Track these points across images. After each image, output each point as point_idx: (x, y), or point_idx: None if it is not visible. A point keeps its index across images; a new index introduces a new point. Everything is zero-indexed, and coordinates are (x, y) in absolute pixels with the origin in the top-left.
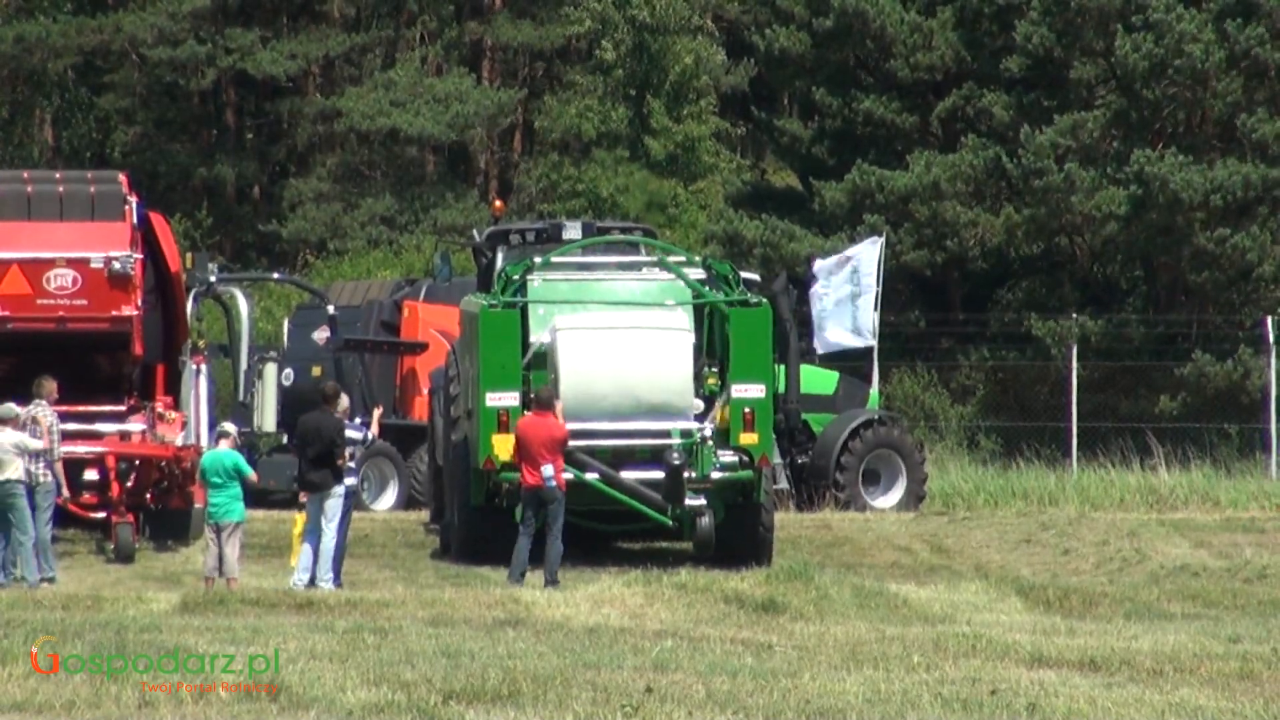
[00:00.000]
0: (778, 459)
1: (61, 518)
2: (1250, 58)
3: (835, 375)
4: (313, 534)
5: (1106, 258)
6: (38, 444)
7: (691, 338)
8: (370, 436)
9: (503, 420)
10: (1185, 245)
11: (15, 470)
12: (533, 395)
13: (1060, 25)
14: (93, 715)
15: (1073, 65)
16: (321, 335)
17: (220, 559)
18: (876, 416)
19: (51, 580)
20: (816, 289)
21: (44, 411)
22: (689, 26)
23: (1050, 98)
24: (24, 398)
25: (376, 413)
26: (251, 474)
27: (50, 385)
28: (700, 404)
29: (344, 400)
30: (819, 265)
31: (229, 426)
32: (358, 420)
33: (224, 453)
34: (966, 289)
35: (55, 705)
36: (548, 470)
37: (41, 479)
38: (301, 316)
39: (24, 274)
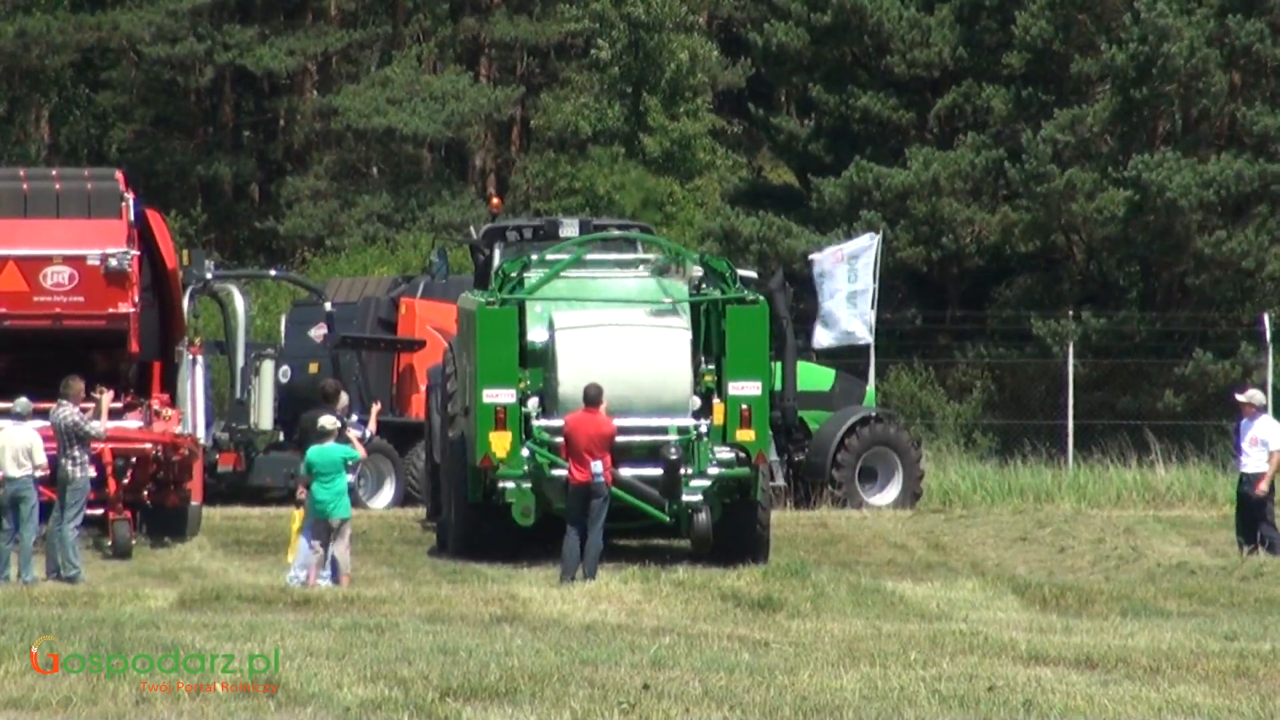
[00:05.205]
0: (774, 456)
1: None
2: (1250, 54)
3: (832, 372)
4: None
5: (1104, 255)
6: (41, 459)
7: (689, 335)
8: (369, 433)
9: (500, 417)
10: (1183, 249)
11: (25, 468)
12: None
13: (1060, 20)
14: (90, 713)
15: (1073, 60)
16: (318, 332)
17: (327, 559)
18: (873, 414)
19: (74, 579)
20: (816, 284)
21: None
22: (685, 24)
23: (1049, 93)
24: (33, 395)
25: (375, 409)
26: (362, 452)
27: (78, 385)
28: (697, 401)
29: (344, 398)
30: (817, 259)
31: (330, 422)
32: (355, 418)
33: (330, 447)
34: (964, 286)
35: (52, 702)
36: (597, 466)
37: (74, 476)
38: (298, 314)
39: (20, 271)
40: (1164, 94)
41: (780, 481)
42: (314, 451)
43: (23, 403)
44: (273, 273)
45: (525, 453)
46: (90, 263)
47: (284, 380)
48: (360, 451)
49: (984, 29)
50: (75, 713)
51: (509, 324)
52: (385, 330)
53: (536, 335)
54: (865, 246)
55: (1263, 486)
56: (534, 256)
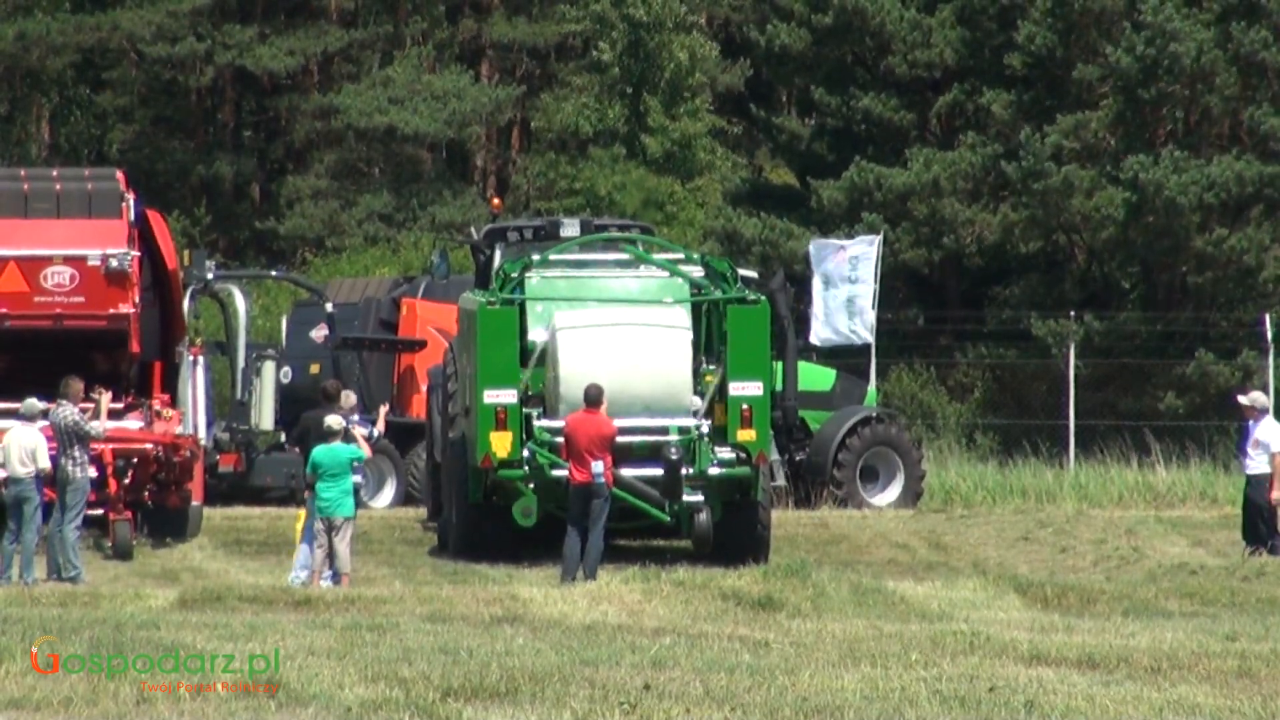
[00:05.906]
0: (775, 456)
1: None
2: (1255, 62)
3: (833, 372)
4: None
5: (1105, 256)
6: (45, 462)
7: (690, 335)
8: (376, 433)
9: (500, 417)
10: (1183, 249)
11: (29, 469)
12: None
13: (1062, 26)
14: (90, 713)
15: (1075, 65)
16: (319, 333)
17: (331, 556)
18: (874, 414)
19: (75, 579)
20: (815, 282)
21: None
22: (684, 24)
23: (1051, 96)
24: (35, 396)
25: (383, 410)
26: (367, 452)
27: (78, 386)
28: (698, 401)
29: (351, 397)
30: (813, 247)
31: (336, 422)
32: (357, 418)
33: (337, 447)
34: (964, 287)
35: (53, 702)
36: (598, 467)
37: (75, 477)
38: (299, 314)
39: (21, 271)
40: (1168, 95)
41: (781, 481)
42: (320, 451)
43: (30, 404)
44: (274, 273)
45: (526, 453)
46: (91, 263)
47: (285, 381)
48: (367, 451)
49: (985, 30)
50: (75, 713)
51: (509, 324)
52: (386, 331)
53: (537, 335)
54: (865, 248)
55: (1276, 494)
56: (535, 257)
